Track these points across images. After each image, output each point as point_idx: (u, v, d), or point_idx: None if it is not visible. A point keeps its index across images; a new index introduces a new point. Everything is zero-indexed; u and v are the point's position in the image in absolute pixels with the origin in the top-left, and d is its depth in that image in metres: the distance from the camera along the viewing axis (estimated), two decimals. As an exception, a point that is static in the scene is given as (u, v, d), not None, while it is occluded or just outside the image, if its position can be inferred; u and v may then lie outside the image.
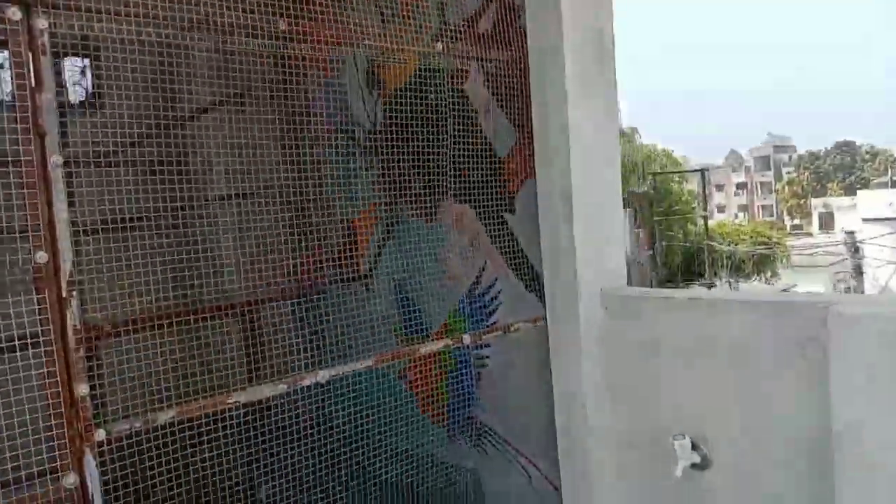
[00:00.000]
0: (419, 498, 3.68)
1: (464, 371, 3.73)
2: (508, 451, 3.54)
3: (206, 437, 2.59)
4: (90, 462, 1.89)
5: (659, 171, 30.78)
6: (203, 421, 2.40)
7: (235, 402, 2.26)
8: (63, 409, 1.85)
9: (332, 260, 4.63)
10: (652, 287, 12.75)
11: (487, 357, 3.63)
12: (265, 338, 4.54)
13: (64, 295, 1.87)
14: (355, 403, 4.19)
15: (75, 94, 5.11)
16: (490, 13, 3.39)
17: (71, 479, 1.85)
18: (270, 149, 4.38)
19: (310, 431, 3.67)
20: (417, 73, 3.75)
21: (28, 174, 1.80)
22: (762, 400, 2.48)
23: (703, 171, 27.61)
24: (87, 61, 4.22)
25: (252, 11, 2.57)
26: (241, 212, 4.45)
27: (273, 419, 3.53)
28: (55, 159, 1.87)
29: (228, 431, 2.77)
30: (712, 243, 25.74)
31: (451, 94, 3.62)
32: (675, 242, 25.91)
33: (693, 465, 2.70)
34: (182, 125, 4.76)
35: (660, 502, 2.84)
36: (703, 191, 27.35)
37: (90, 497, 1.86)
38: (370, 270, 4.34)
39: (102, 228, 3.19)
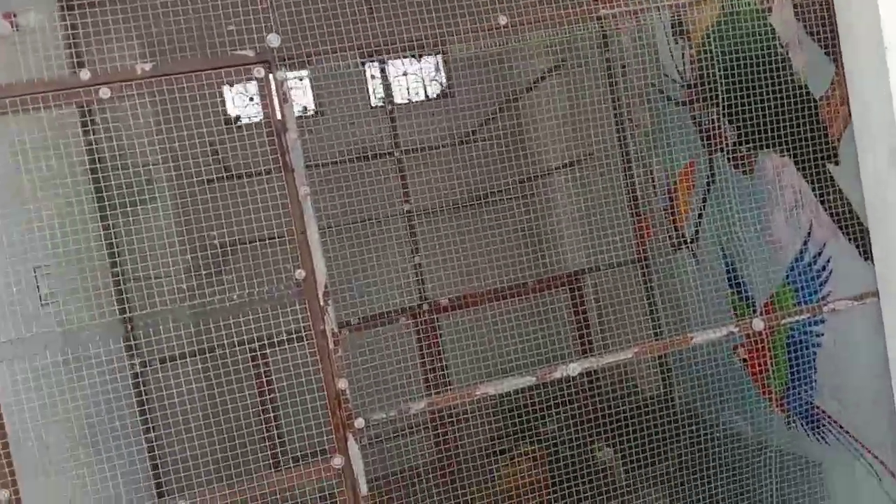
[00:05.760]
0: (762, 485, 3.35)
1: (799, 351, 3.22)
2: (851, 443, 2.96)
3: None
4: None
5: None
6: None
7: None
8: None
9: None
10: None
11: (822, 335, 3.06)
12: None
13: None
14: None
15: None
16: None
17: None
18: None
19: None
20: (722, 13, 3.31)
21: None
22: None
23: None
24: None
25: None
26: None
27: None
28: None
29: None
30: None
31: (758, 28, 3.09)
32: None
33: None
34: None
35: None
36: None
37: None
38: (695, 235, 4.00)
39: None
